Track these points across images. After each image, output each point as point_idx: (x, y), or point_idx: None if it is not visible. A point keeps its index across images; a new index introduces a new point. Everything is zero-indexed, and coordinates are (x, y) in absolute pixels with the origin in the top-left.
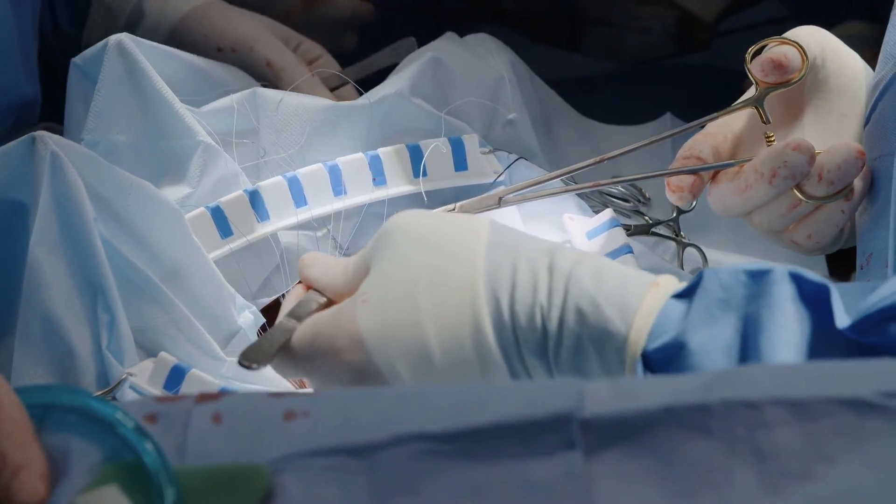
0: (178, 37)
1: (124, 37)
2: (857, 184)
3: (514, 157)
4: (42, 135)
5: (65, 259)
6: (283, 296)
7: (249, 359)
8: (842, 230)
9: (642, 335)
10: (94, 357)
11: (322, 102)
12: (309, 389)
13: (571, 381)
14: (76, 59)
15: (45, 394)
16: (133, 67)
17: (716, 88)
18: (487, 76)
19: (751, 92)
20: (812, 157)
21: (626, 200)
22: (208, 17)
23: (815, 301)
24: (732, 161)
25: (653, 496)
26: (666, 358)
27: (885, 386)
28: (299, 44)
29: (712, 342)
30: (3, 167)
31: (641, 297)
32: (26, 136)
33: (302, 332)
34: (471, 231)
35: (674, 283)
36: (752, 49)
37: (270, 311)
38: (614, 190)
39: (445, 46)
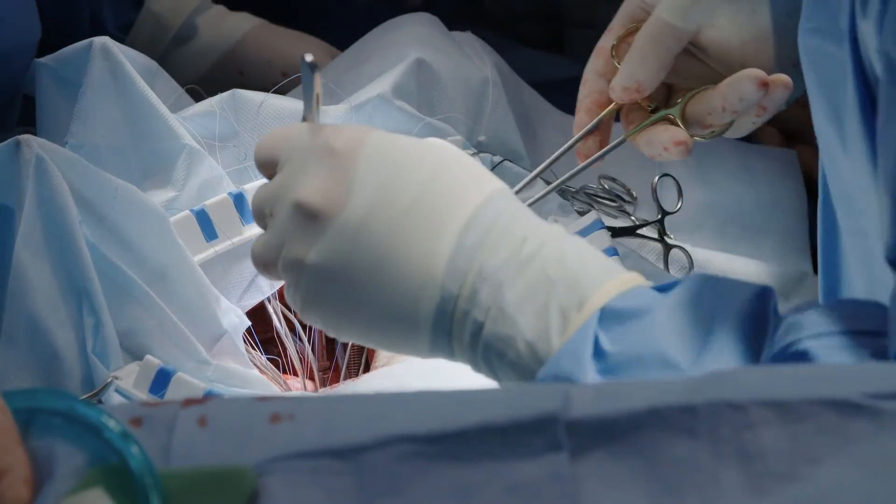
0: (235, 59)
1: (108, 40)
2: (775, 100)
3: (498, 159)
4: (27, 138)
5: (50, 262)
6: (269, 299)
7: None
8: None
9: (611, 292)
10: (79, 360)
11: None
12: (295, 393)
13: (558, 383)
14: (44, 60)
15: (31, 398)
16: (118, 71)
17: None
18: (472, 77)
19: None
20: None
21: (612, 200)
22: (269, 41)
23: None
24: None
25: (639, 497)
26: (627, 316)
27: (870, 387)
28: None
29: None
30: None
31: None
32: (11, 139)
33: None
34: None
35: (641, 280)
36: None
37: (256, 313)
38: (601, 191)
39: (430, 42)
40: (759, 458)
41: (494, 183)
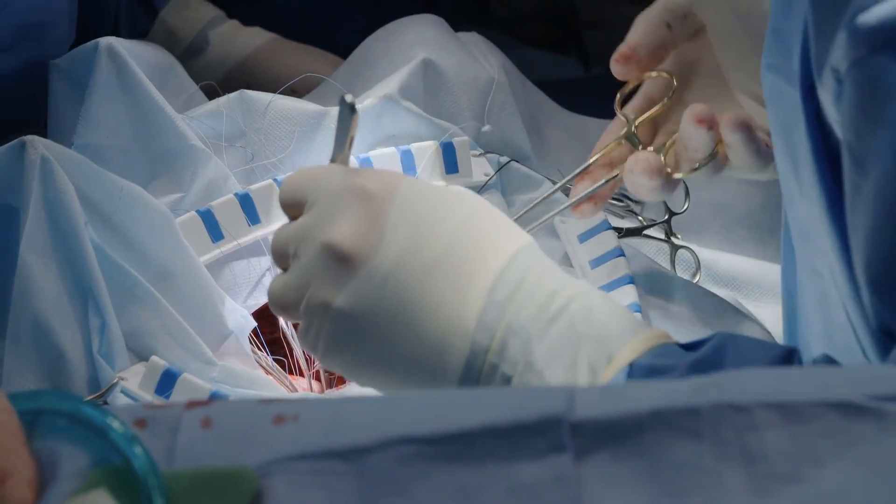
0: (244, 72)
1: (114, 40)
2: (733, 142)
3: (505, 159)
4: (32, 139)
5: (55, 263)
6: None
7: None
8: (764, 151)
9: (639, 349)
10: (84, 361)
11: (310, 107)
12: (298, 395)
13: (561, 385)
14: (57, 61)
15: (36, 399)
16: (124, 71)
17: None
18: (479, 78)
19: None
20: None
21: (619, 200)
22: (278, 57)
23: None
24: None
25: (642, 499)
26: (653, 373)
27: (874, 389)
28: None
29: None
30: None
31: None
32: (16, 140)
33: None
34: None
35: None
36: (619, 94)
37: (261, 314)
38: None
39: (437, 42)
40: (762, 459)
41: (523, 238)
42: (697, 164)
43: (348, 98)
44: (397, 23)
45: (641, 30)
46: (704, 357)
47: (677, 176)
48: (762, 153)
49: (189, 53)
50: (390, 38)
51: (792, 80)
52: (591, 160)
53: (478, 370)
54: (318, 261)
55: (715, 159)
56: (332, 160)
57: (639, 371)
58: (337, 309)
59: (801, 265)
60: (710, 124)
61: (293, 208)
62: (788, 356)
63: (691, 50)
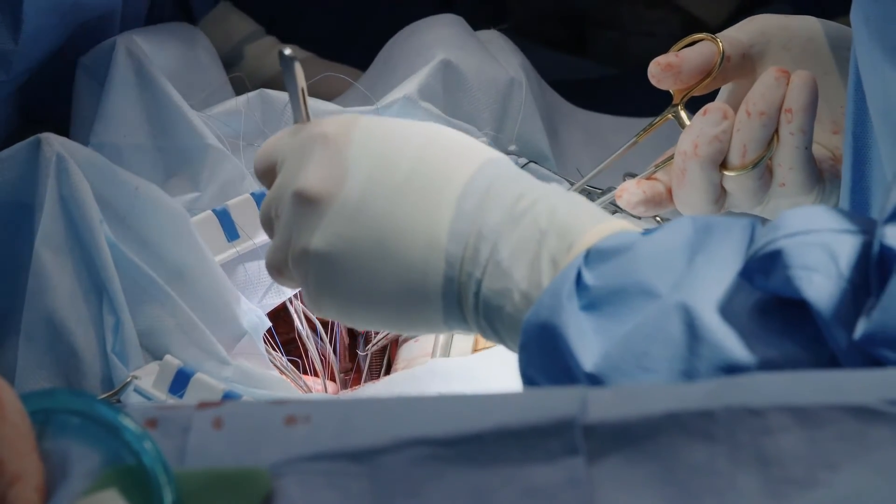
0: (275, 89)
1: (132, 39)
2: (797, 95)
3: (524, 160)
4: (48, 137)
5: (70, 261)
6: (291, 299)
7: None
8: (815, 165)
9: (597, 237)
10: (98, 360)
11: (329, 107)
12: (310, 396)
13: (574, 387)
14: (83, 59)
15: (49, 398)
16: (141, 70)
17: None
18: (499, 78)
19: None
20: (724, 112)
21: None
22: (309, 75)
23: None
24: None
25: (655, 502)
26: (610, 253)
27: (891, 393)
28: None
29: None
30: (9, 169)
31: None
32: (32, 137)
33: None
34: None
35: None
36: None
37: (277, 314)
38: None
39: (456, 43)
40: (777, 463)
41: (489, 152)
42: (753, 155)
43: (286, 51)
44: (417, 24)
45: (699, 50)
46: (667, 233)
47: (729, 174)
48: (812, 162)
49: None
50: (410, 39)
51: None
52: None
53: (457, 281)
54: (291, 212)
55: (765, 160)
56: (295, 122)
57: (595, 255)
58: (315, 251)
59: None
60: (787, 79)
61: (268, 177)
62: (749, 224)
63: (745, 86)
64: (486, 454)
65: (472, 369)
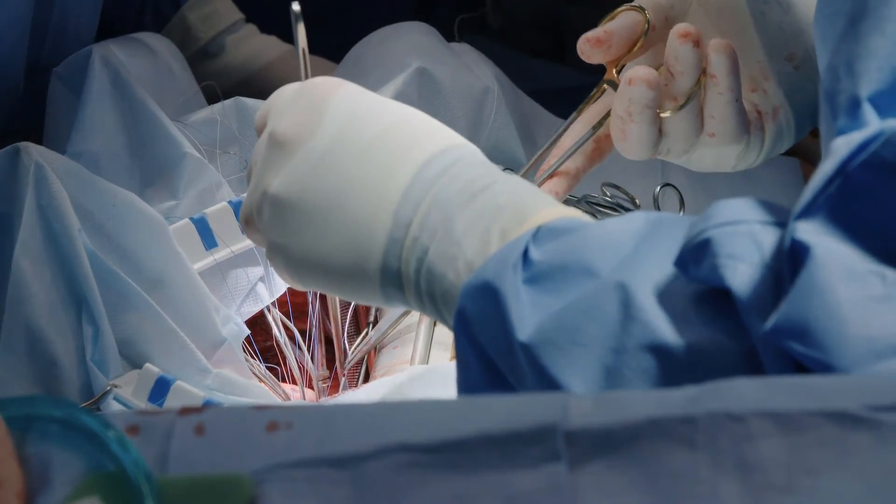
0: (258, 83)
1: (108, 47)
2: (717, 63)
3: (499, 167)
4: (26, 146)
5: (49, 270)
6: (269, 308)
7: None
8: (745, 115)
9: (550, 217)
10: (78, 368)
11: None
12: (292, 402)
13: (556, 393)
14: (58, 69)
15: (29, 405)
16: (118, 79)
17: None
18: (473, 86)
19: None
20: (647, 83)
21: (614, 209)
22: (294, 69)
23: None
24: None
25: None
26: (559, 232)
27: (871, 399)
28: None
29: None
30: None
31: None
32: (10, 146)
33: None
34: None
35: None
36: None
37: (254, 322)
38: (603, 199)
39: (431, 52)
40: (758, 469)
41: (462, 140)
42: (683, 100)
43: (295, 7)
44: (388, 29)
45: (623, 22)
46: (617, 221)
47: (664, 115)
48: (742, 113)
49: (202, 55)
50: (382, 44)
51: None
52: (570, 120)
53: (401, 244)
54: (264, 155)
55: (696, 96)
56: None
57: (545, 232)
58: (272, 194)
59: None
60: (696, 41)
61: (261, 129)
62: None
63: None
64: (468, 461)
65: (451, 375)
